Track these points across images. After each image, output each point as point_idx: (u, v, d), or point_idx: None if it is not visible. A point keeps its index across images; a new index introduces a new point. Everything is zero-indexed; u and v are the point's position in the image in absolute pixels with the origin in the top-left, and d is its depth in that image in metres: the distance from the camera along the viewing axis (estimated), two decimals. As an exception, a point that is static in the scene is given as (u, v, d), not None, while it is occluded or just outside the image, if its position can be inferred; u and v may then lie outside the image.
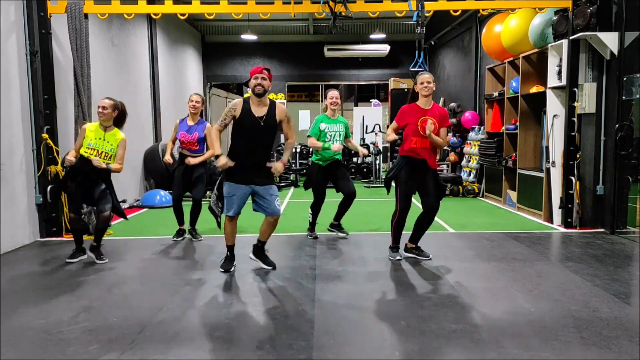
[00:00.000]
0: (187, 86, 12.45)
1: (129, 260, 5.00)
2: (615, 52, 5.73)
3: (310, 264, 4.72)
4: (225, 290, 4.02)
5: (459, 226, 6.47)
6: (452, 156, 10.31)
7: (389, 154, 12.58)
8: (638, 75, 5.64)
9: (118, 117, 4.86)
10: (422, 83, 4.66)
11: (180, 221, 5.85)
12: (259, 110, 4.24)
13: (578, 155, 6.25)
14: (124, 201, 7.99)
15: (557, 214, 6.49)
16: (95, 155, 4.69)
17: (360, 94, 18.19)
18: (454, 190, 9.41)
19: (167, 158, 5.67)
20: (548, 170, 6.66)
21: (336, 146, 5.48)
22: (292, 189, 10.96)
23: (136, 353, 2.91)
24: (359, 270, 4.53)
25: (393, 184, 4.90)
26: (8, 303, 3.76)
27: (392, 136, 4.85)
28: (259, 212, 4.40)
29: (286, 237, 5.95)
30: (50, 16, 6.00)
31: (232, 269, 4.51)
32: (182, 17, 6.78)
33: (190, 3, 6.38)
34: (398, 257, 4.86)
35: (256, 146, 4.27)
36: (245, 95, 4.37)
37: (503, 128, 8.22)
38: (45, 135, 5.86)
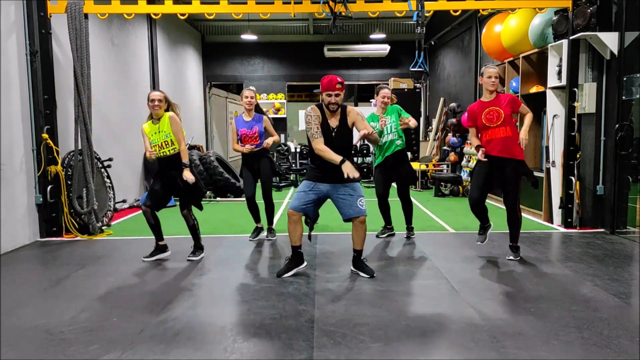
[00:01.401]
0: (187, 86, 12.45)
1: (129, 260, 4.99)
2: (615, 52, 5.73)
3: (310, 264, 4.72)
4: (225, 290, 4.02)
5: (459, 226, 6.47)
6: (452, 156, 10.30)
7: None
8: (638, 75, 5.64)
9: (168, 108, 4.85)
10: (489, 77, 4.59)
11: (257, 219, 5.81)
12: (334, 122, 4.17)
13: (578, 155, 6.26)
14: (124, 201, 8.00)
15: (557, 214, 6.49)
16: (160, 149, 4.71)
17: (360, 94, 18.18)
18: (454, 190, 9.41)
19: (238, 147, 5.65)
20: (548, 170, 6.66)
21: (381, 122, 5.39)
22: (292, 189, 10.96)
23: (136, 353, 2.91)
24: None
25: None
26: (8, 303, 3.76)
27: (475, 141, 4.76)
28: (349, 219, 4.23)
29: (286, 237, 5.93)
30: (50, 16, 6.00)
31: (290, 273, 4.33)
32: (182, 17, 6.78)
33: (190, 3, 6.38)
34: (478, 242, 4.94)
35: (333, 146, 4.11)
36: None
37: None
38: (45, 135, 5.86)
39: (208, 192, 9.35)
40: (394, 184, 5.84)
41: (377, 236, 5.85)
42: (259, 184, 5.71)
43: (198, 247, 5.03)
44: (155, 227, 4.93)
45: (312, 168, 4.27)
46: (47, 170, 5.90)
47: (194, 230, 4.98)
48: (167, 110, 4.83)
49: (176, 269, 4.65)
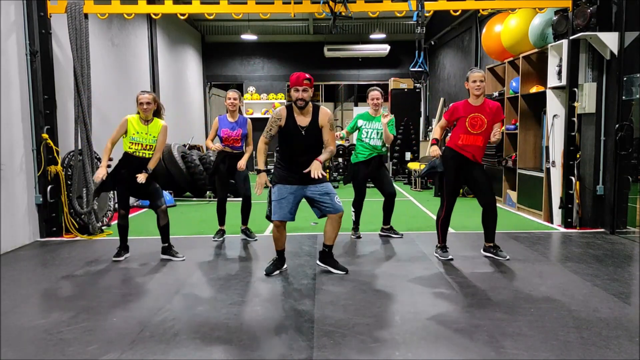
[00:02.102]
0: (187, 86, 12.46)
1: (128, 260, 4.99)
2: (615, 52, 5.73)
3: (310, 264, 4.72)
4: (225, 290, 4.02)
5: (459, 226, 6.46)
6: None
7: (389, 154, 12.57)
8: (638, 75, 5.64)
9: (157, 109, 4.86)
10: (474, 81, 4.59)
11: (222, 221, 5.81)
12: (303, 120, 4.12)
13: (578, 155, 6.25)
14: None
15: (557, 214, 6.49)
16: (140, 149, 4.72)
17: (360, 94, 18.19)
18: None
19: (210, 145, 5.62)
20: (548, 170, 6.66)
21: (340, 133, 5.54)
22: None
23: (136, 353, 2.91)
24: (358, 270, 4.52)
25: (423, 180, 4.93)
26: (8, 303, 3.76)
27: (438, 133, 4.79)
28: (323, 215, 4.27)
29: (286, 237, 5.94)
30: (50, 16, 6.00)
31: (276, 272, 4.42)
32: (182, 17, 6.78)
33: (190, 3, 6.39)
34: (450, 257, 4.80)
35: (302, 153, 4.13)
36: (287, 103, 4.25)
37: (503, 128, 8.21)
38: (45, 135, 5.86)
39: (208, 192, 9.35)
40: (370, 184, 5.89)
41: (353, 237, 5.84)
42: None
43: (168, 248, 5.01)
44: (125, 230, 4.94)
45: (280, 168, 4.23)
46: (47, 170, 5.90)
47: (165, 230, 4.96)
48: (157, 111, 4.84)
49: (176, 269, 4.65)
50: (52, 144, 5.90)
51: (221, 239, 5.79)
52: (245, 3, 6.35)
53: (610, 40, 5.73)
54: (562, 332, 3.14)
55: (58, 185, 5.97)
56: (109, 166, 4.87)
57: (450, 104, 4.90)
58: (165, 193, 8.48)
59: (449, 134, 4.89)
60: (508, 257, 4.80)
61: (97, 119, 6.55)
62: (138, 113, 4.78)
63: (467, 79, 4.66)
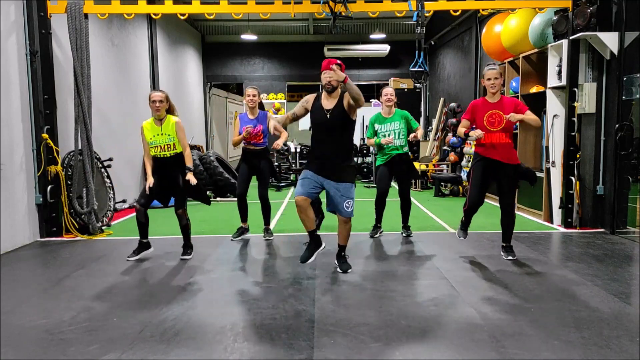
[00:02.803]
0: (187, 86, 12.45)
1: (128, 260, 4.99)
2: (615, 52, 5.73)
3: (311, 264, 4.71)
4: (225, 290, 4.02)
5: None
6: (452, 156, 10.31)
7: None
8: (638, 75, 5.64)
9: (169, 108, 4.85)
10: (489, 79, 4.55)
11: (244, 218, 5.79)
12: (328, 104, 4.22)
13: (578, 155, 6.25)
14: (124, 201, 8.00)
15: (557, 214, 6.49)
16: (160, 152, 4.71)
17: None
18: (454, 190, 9.41)
19: (237, 138, 5.63)
20: (548, 170, 6.66)
21: (385, 139, 5.48)
22: (292, 189, 10.95)
23: (136, 353, 2.91)
24: (359, 270, 4.52)
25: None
26: (8, 303, 3.76)
27: (462, 130, 4.78)
28: (333, 212, 4.33)
29: (286, 237, 5.95)
30: (50, 16, 6.00)
31: (313, 257, 4.37)
32: (182, 17, 6.78)
33: (190, 3, 6.39)
34: (461, 237, 5.02)
35: (325, 140, 4.21)
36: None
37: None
38: (45, 135, 5.86)
39: (208, 192, 9.34)
40: (395, 185, 5.84)
41: (371, 237, 5.84)
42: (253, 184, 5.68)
43: (188, 246, 5.06)
44: (145, 226, 4.94)
45: (308, 154, 4.43)
46: (47, 170, 5.90)
47: (186, 229, 5.01)
48: (168, 110, 4.82)
49: (176, 269, 4.65)
50: (52, 144, 5.90)
51: (240, 237, 5.76)
52: (245, 3, 6.35)
53: (610, 40, 5.73)
54: (562, 332, 3.14)
55: (58, 185, 5.97)
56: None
57: (469, 103, 4.86)
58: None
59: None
60: (510, 258, 4.80)
61: (97, 119, 6.56)
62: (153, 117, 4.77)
63: (483, 76, 4.61)
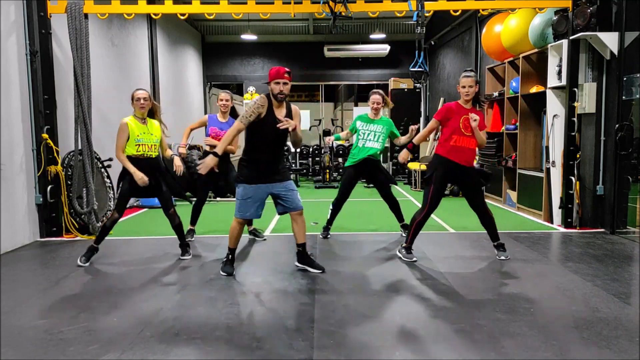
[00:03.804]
0: (187, 86, 12.45)
1: (129, 260, 4.99)
2: (615, 52, 5.73)
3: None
4: (225, 290, 4.02)
5: (459, 226, 6.47)
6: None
7: (389, 154, 12.58)
8: (638, 75, 5.64)
9: (152, 107, 4.81)
10: (463, 87, 4.53)
11: (194, 221, 5.80)
12: (280, 113, 4.17)
13: (578, 155, 6.25)
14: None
15: (557, 214, 6.49)
16: (147, 150, 4.66)
17: (361, 94, 18.18)
18: (454, 190, 9.40)
19: (182, 150, 5.64)
20: (548, 170, 6.66)
21: (344, 134, 5.76)
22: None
23: (136, 353, 2.91)
24: (359, 270, 4.52)
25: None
26: (8, 303, 3.76)
27: (422, 137, 4.80)
28: (284, 212, 4.36)
29: (286, 237, 5.95)
30: (50, 16, 6.00)
31: (233, 272, 4.44)
32: (182, 17, 6.78)
33: (190, 3, 6.39)
34: (414, 259, 4.77)
35: (275, 147, 4.22)
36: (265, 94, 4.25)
37: (503, 128, 8.22)
38: (45, 135, 5.86)
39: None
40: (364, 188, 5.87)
41: (324, 237, 5.81)
42: None
43: (186, 245, 5.05)
44: (107, 232, 4.84)
45: (246, 166, 4.22)
46: (47, 170, 5.90)
47: (180, 228, 4.98)
48: (151, 111, 4.79)
49: (176, 270, 4.65)
50: (52, 144, 5.90)
51: (192, 239, 5.76)
52: (245, 3, 6.35)
53: (610, 40, 5.73)
54: (562, 332, 3.14)
55: (58, 185, 5.97)
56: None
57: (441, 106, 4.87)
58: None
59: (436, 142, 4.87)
60: (503, 257, 4.80)
61: (97, 119, 6.55)
62: (134, 115, 4.71)
63: (458, 83, 4.60)
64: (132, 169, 4.61)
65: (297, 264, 4.56)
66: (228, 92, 5.69)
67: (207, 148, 5.55)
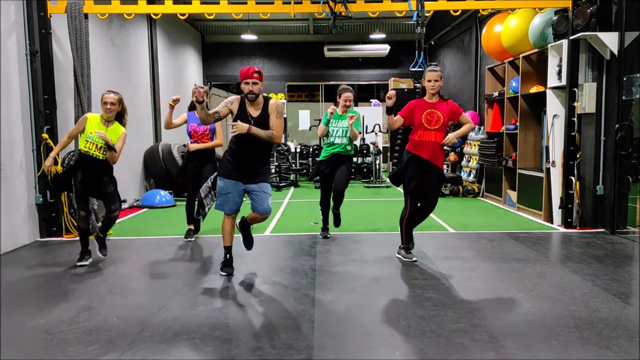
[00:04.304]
0: (187, 86, 12.44)
1: (128, 260, 5.00)
2: (615, 52, 5.73)
3: (310, 264, 4.72)
4: (225, 291, 4.02)
5: (459, 226, 6.47)
6: (452, 156, 10.30)
7: (389, 154, 12.58)
8: (638, 75, 5.63)
9: (121, 111, 4.77)
10: (429, 80, 4.62)
11: (191, 220, 5.79)
12: (254, 111, 4.19)
13: (578, 155, 6.25)
14: (124, 201, 7.98)
15: (557, 214, 6.49)
16: (94, 150, 4.61)
17: (360, 94, 18.20)
18: (454, 190, 9.41)
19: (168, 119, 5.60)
20: (548, 170, 6.66)
21: (321, 129, 5.67)
22: (292, 189, 10.95)
23: (136, 353, 2.91)
24: (359, 270, 4.52)
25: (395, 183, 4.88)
26: (8, 303, 3.76)
27: (393, 120, 4.70)
28: (254, 210, 4.34)
29: (286, 237, 5.95)
30: (50, 16, 6.00)
31: (233, 272, 4.44)
32: (182, 17, 6.78)
33: (190, 3, 6.38)
34: (414, 259, 4.76)
35: (250, 145, 4.18)
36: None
37: (503, 128, 8.22)
38: (45, 135, 5.86)
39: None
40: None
41: (324, 237, 5.80)
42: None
43: (85, 252, 4.85)
44: (87, 233, 4.84)
45: (227, 161, 4.27)
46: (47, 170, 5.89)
47: (104, 228, 4.90)
48: (120, 114, 4.74)
49: (176, 269, 4.65)
50: (52, 144, 5.89)
51: (192, 239, 5.75)
52: (245, 3, 6.35)
53: (610, 40, 5.73)
54: (562, 332, 3.14)
55: (58, 185, 5.96)
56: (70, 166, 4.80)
57: (409, 103, 4.83)
58: (166, 193, 8.50)
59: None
60: (405, 259, 4.78)
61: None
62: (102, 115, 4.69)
63: (424, 77, 4.67)
64: (52, 152, 4.79)
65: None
66: (203, 86, 5.65)
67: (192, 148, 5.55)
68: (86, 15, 6.10)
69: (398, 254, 4.90)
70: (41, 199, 5.89)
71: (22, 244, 5.64)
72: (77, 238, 5.92)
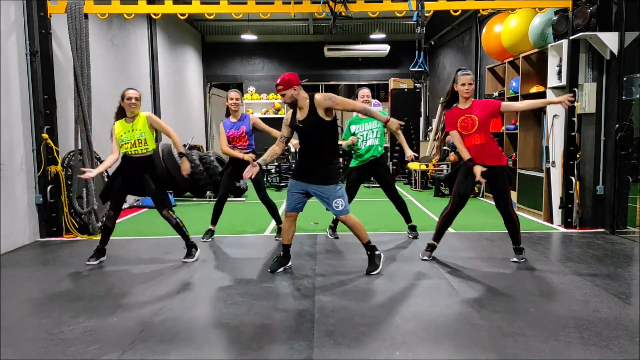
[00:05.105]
0: (187, 86, 12.45)
1: (129, 260, 4.99)
2: (615, 52, 5.73)
3: (310, 264, 4.72)
4: (225, 290, 4.02)
5: (459, 226, 6.46)
6: (452, 156, 10.30)
7: (389, 154, 12.57)
8: (638, 75, 5.64)
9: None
10: (463, 84, 4.52)
11: (215, 221, 5.77)
12: (300, 116, 4.25)
13: (578, 155, 6.25)
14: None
15: (557, 214, 6.49)
16: (131, 147, 4.66)
17: (360, 94, 18.28)
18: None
19: (229, 151, 5.53)
20: (548, 170, 6.66)
21: (351, 139, 5.46)
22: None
23: (136, 353, 2.91)
24: (359, 270, 4.52)
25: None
26: (8, 303, 3.76)
27: (465, 152, 4.56)
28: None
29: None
30: (50, 16, 6.00)
31: (280, 269, 4.45)
32: (182, 17, 6.78)
33: (190, 3, 6.39)
34: (424, 257, 4.82)
35: (306, 148, 4.31)
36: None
37: (503, 128, 8.22)
38: (45, 135, 5.86)
39: (208, 192, 9.32)
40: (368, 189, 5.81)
41: (333, 237, 5.81)
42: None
43: (191, 246, 4.96)
44: (110, 232, 4.87)
45: (295, 167, 4.55)
46: (47, 170, 5.90)
47: (179, 228, 4.92)
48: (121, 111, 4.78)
49: (176, 269, 4.65)
50: (52, 144, 5.90)
51: (210, 239, 5.74)
52: (245, 3, 6.35)
53: (610, 40, 5.73)
54: (562, 332, 3.14)
55: (58, 185, 5.97)
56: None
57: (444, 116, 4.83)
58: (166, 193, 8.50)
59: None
60: (515, 259, 4.77)
61: (97, 119, 6.55)
62: (120, 116, 4.75)
63: (456, 81, 4.56)
64: (101, 167, 4.87)
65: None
66: (237, 90, 5.66)
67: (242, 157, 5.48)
68: (86, 15, 6.10)
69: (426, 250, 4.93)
70: (41, 199, 5.89)
71: (22, 244, 5.64)
72: (78, 238, 5.97)
